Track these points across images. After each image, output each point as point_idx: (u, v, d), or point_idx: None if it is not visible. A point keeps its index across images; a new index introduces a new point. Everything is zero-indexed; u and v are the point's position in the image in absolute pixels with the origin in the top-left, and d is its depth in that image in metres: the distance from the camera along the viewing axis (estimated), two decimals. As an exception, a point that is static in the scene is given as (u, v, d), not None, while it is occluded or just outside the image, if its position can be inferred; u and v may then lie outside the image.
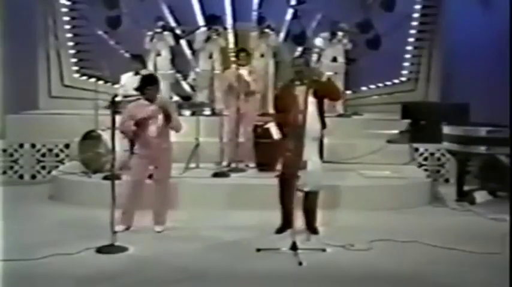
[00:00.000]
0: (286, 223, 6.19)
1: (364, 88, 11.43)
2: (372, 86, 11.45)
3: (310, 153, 5.97)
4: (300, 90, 5.96)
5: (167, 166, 6.41)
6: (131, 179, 6.30)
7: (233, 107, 8.39)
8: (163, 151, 6.27)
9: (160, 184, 6.36)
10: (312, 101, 5.93)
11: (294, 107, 5.99)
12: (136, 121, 6.10)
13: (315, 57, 10.57)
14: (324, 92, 6.05)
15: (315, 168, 6.05)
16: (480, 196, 8.00)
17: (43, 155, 9.16)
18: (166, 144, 6.33)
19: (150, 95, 6.19)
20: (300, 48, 11.08)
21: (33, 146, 9.15)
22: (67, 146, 9.11)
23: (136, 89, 6.31)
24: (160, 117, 6.15)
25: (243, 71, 8.35)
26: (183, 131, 6.46)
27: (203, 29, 10.45)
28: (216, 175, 7.95)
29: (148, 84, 6.22)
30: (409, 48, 11.45)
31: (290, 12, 11.27)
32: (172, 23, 11.04)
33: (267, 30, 10.41)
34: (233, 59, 9.47)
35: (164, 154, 6.30)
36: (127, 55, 10.18)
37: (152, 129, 6.17)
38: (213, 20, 10.33)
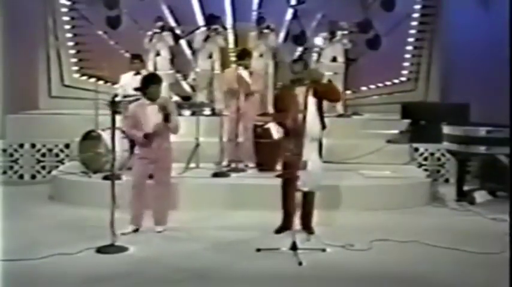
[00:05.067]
0: (286, 223, 6.20)
1: (364, 88, 11.42)
2: (372, 86, 11.45)
3: (310, 153, 5.97)
4: (299, 91, 5.96)
5: (167, 166, 6.37)
6: (132, 180, 6.29)
7: (233, 107, 8.38)
8: (163, 151, 6.24)
9: (161, 185, 6.34)
10: (312, 101, 5.93)
11: (293, 107, 5.99)
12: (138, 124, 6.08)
13: (315, 56, 10.60)
14: (323, 94, 6.05)
15: (315, 168, 6.05)
16: (480, 196, 8.00)
17: (43, 155, 9.16)
18: (167, 144, 6.30)
19: (152, 95, 6.18)
20: (300, 49, 11.09)
21: (33, 146, 9.15)
22: (67, 146, 9.11)
23: (138, 89, 6.30)
24: (160, 116, 6.12)
25: (243, 72, 8.33)
26: (182, 131, 6.44)
27: (203, 28, 10.46)
28: (216, 175, 7.95)
29: (151, 83, 6.21)
30: (409, 48, 11.45)
31: (290, 12, 11.27)
32: (172, 23, 11.05)
33: (266, 30, 10.41)
34: (234, 59, 9.46)
35: (164, 154, 6.26)
36: (127, 55, 10.18)
37: (151, 128, 6.15)
38: (213, 19, 10.34)
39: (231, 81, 8.35)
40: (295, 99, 5.99)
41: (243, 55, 8.58)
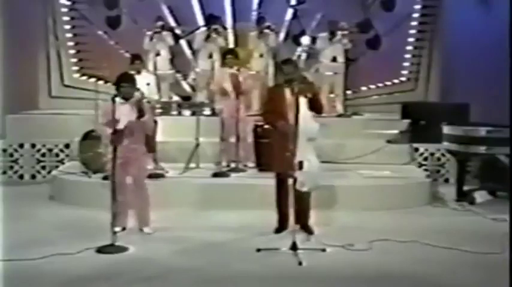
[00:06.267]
0: (283, 223, 6.21)
1: (364, 88, 11.43)
2: (372, 86, 11.45)
3: (306, 153, 5.93)
4: (289, 91, 5.92)
5: (139, 166, 6.32)
6: (115, 181, 6.17)
7: (226, 106, 8.38)
8: (131, 151, 6.17)
9: (137, 185, 6.32)
10: (303, 101, 5.89)
11: (283, 107, 5.96)
12: (107, 122, 6.02)
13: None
14: (308, 103, 6.01)
15: (312, 168, 6.01)
16: (480, 196, 8.01)
17: (43, 155, 9.15)
18: (136, 145, 6.23)
19: (125, 93, 6.15)
20: (299, 49, 11.10)
21: (33, 146, 9.15)
22: (67, 146, 9.11)
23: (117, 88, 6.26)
24: (133, 115, 6.07)
25: (228, 71, 8.30)
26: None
27: (203, 28, 10.47)
28: (216, 175, 7.95)
29: (123, 82, 6.18)
30: (409, 48, 11.46)
31: (290, 12, 11.28)
32: (172, 23, 11.06)
33: (266, 30, 10.42)
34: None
35: (133, 154, 6.20)
36: (127, 55, 10.18)
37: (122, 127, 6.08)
38: (213, 20, 10.34)
39: (219, 79, 8.43)
40: (285, 99, 5.95)
41: (226, 54, 8.58)
